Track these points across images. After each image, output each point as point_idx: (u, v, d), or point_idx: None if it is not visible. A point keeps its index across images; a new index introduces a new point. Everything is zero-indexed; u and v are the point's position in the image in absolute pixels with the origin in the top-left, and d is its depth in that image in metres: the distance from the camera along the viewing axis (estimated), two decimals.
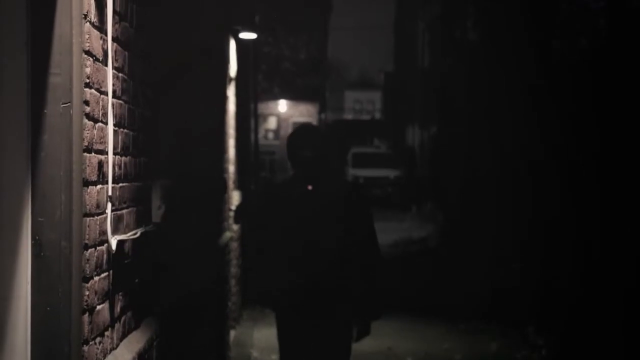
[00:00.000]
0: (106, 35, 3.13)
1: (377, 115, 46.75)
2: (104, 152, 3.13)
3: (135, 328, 3.73)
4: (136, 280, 3.71)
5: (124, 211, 3.49)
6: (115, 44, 3.26)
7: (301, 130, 5.18)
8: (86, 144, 2.89)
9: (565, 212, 10.83)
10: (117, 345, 3.40)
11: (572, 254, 10.39)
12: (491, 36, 15.07)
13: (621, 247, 9.38)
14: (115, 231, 3.30)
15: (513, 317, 9.94)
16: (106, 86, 3.14)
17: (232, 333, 8.69)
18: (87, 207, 2.93)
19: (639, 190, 9.41)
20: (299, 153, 4.95)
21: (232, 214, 8.67)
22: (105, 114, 3.14)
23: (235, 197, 9.05)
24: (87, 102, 2.90)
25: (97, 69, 3.02)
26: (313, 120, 27.75)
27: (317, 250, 4.92)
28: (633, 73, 9.84)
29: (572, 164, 10.93)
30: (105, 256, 3.18)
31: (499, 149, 14.08)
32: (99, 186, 3.07)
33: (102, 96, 3.10)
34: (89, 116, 2.93)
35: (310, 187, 4.93)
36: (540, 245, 11.51)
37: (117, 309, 3.39)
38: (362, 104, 52.31)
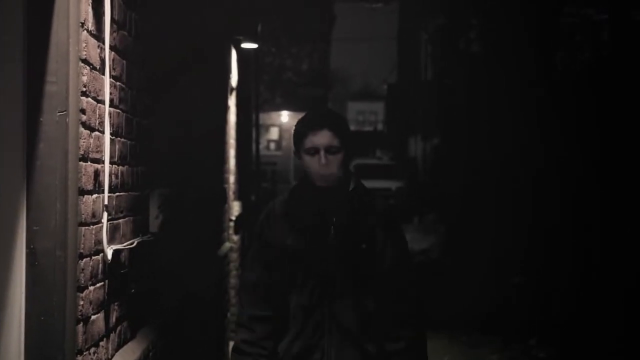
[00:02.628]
0: (104, 43, 3.12)
1: (380, 127, 46.78)
2: (100, 161, 3.12)
3: (131, 338, 3.71)
4: (132, 290, 3.69)
5: (121, 221, 3.47)
6: (113, 52, 3.25)
7: (317, 115, 3.35)
8: (82, 152, 2.88)
9: (566, 223, 10.81)
10: (112, 356, 3.37)
11: (573, 266, 10.36)
12: (494, 47, 15.08)
13: (622, 257, 9.35)
14: (111, 241, 3.28)
15: (514, 330, 9.90)
16: (103, 95, 3.13)
17: (231, 344, 8.66)
18: (83, 216, 2.91)
19: (638, 201, 9.39)
20: (313, 148, 3.23)
21: (232, 224, 8.64)
22: (102, 123, 3.13)
23: (235, 208, 9.02)
24: (83, 111, 2.89)
25: (94, 77, 3.01)
26: None
27: (337, 297, 3.23)
28: (635, 84, 9.83)
29: (574, 176, 10.90)
30: (100, 266, 3.16)
31: (501, 161, 14.06)
32: (95, 195, 3.06)
33: (99, 105, 3.09)
34: (85, 125, 2.92)
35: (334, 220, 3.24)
36: (541, 257, 11.49)
37: (113, 319, 3.37)
38: (364, 115, 52.31)
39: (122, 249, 3.43)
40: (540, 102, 12.32)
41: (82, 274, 2.93)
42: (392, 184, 28.12)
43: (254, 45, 9.42)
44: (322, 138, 3.22)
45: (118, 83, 3.38)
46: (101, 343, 3.20)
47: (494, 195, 14.51)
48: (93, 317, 3.08)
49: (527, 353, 9.17)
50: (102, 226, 3.14)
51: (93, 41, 2.99)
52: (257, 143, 12.52)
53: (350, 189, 3.33)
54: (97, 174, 3.08)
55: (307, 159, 3.24)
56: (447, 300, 12.24)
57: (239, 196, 9.55)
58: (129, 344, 3.64)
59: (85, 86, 2.90)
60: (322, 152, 3.21)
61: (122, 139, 3.47)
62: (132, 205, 3.66)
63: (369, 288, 3.27)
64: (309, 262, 3.23)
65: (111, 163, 3.24)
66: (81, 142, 2.87)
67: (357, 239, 3.26)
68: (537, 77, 12.64)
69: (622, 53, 10.46)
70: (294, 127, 3.32)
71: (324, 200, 3.25)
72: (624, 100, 10.07)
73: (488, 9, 15.38)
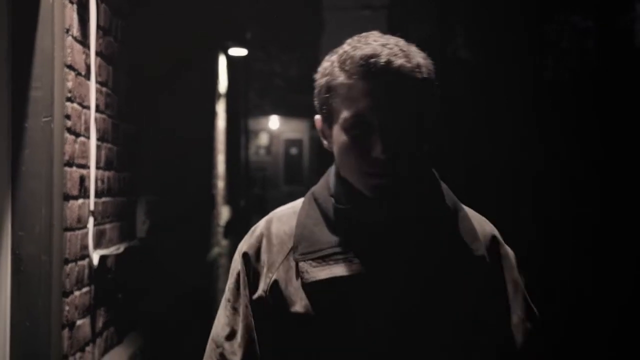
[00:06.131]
0: (89, 49, 3.13)
1: None
2: (86, 166, 3.12)
3: (118, 343, 3.71)
4: (119, 296, 3.70)
5: (107, 226, 3.48)
6: (98, 58, 3.26)
7: (373, 42, 1.58)
8: (67, 158, 2.89)
9: (566, 230, 10.85)
10: None
11: (573, 274, 10.39)
12: (482, 54, 15.15)
13: (622, 267, 9.38)
14: (97, 246, 3.28)
15: None
16: (89, 100, 3.14)
17: None
18: (68, 221, 2.92)
19: (635, 212, 9.43)
20: (358, 120, 1.54)
21: (220, 229, 8.65)
22: (87, 129, 3.14)
23: (224, 213, 9.03)
24: (68, 117, 2.89)
25: (79, 83, 3.02)
26: (304, 137, 27.74)
27: None
28: (621, 90, 9.88)
29: (564, 183, 10.95)
30: (86, 271, 3.16)
31: (494, 165, 14.11)
32: (80, 200, 3.06)
33: (84, 110, 3.09)
34: (70, 130, 2.93)
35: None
36: (539, 266, 11.52)
37: (99, 324, 3.37)
38: None
39: (109, 255, 3.44)
40: (529, 109, 12.37)
41: (68, 279, 2.93)
42: None
43: (244, 52, 9.44)
44: (378, 98, 1.54)
45: (104, 89, 3.39)
46: (87, 348, 3.20)
47: (487, 200, 14.54)
48: (79, 322, 3.08)
49: None
50: (88, 231, 3.15)
51: (78, 47, 3.00)
52: (247, 148, 12.54)
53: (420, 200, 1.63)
54: (82, 180, 3.08)
55: (344, 141, 1.57)
56: None
57: (229, 201, 9.56)
58: (116, 348, 3.64)
59: (70, 92, 2.91)
60: (377, 134, 1.54)
61: (109, 145, 3.48)
62: (118, 210, 3.67)
63: None
64: (340, 351, 1.57)
65: (97, 168, 3.25)
66: (66, 147, 2.88)
67: (440, 304, 1.58)
68: (525, 84, 12.69)
69: (608, 60, 10.52)
70: (318, 72, 1.63)
71: (374, 230, 1.59)
72: (611, 107, 10.12)
73: (475, 16, 15.46)
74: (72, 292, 2.98)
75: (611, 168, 9.92)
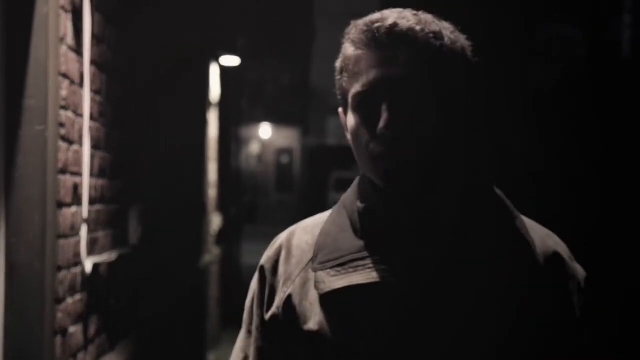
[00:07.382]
0: (83, 58, 3.15)
1: None
2: (79, 174, 3.14)
3: (110, 350, 3.73)
4: (112, 303, 3.71)
5: (100, 233, 3.50)
6: (92, 66, 3.28)
7: (386, 16, 1.34)
8: (61, 166, 2.91)
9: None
10: None
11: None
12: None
13: (622, 267, 9.42)
14: (90, 253, 3.30)
15: None
16: (82, 109, 3.16)
17: (212, 355, 8.67)
18: (61, 228, 2.93)
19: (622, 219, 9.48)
20: (367, 96, 1.33)
21: (212, 237, 8.67)
22: (81, 137, 3.16)
23: (215, 221, 9.05)
24: (62, 125, 2.91)
25: (73, 91, 3.04)
26: (295, 145, 27.79)
27: None
28: (609, 100, 9.95)
29: (548, 194, 11.00)
30: (79, 278, 3.18)
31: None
32: (73, 208, 3.08)
33: (78, 118, 3.11)
34: (64, 138, 2.95)
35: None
36: None
37: (91, 331, 3.39)
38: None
39: (101, 262, 3.45)
40: (518, 117, 12.42)
41: (61, 287, 2.95)
42: None
43: (236, 60, 9.46)
44: (384, 69, 1.32)
45: (98, 97, 3.41)
46: (79, 355, 3.22)
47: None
48: (71, 329, 3.09)
49: None
50: (81, 239, 3.16)
51: (72, 55, 3.02)
52: (238, 157, 12.57)
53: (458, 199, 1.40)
54: (76, 187, 3.10)
55: (353, 123, 1.37)
56: None
57: (220, 209, 9.58)
58: (108, 356, 3.66)
59: (64, 100, 2.93)
60: (384, 107, 1.31)
61: (102, 153, 3.50)
62: (111, 218, 3.69)
63: None
64: None
65: (90, 176, 3.27)
66: (60, 155, 2.90)
67: (474, 320, 1.34)
68: (515, 91, 12.75)
69: (597, 69, 10.59)
70: (341, 73, 1.38)
71: (401, 231, 1.36)
72: (599, 116, 10.18)
73: (467, 24, 15.51)
74: (64, 299, 3.00)
75: (601, 176, 9.97)
